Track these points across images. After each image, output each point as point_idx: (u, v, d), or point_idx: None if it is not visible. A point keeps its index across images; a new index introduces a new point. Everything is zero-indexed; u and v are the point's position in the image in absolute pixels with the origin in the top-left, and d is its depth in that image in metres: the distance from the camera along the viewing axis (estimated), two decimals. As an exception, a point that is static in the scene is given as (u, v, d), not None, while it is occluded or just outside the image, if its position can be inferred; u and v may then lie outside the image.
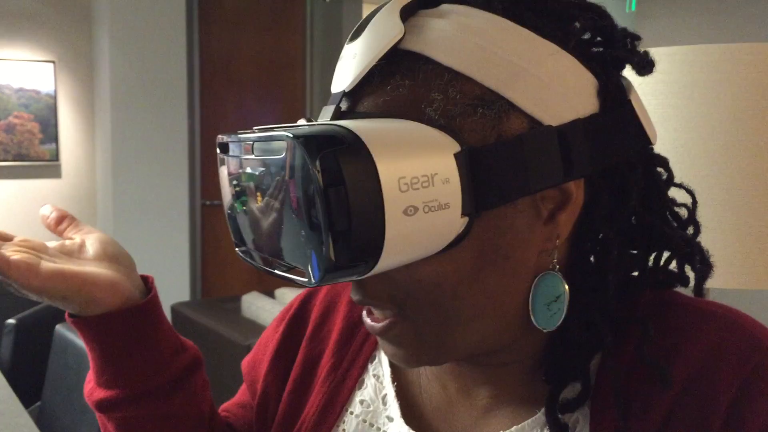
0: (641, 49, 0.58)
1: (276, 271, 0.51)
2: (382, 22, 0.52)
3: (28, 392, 2.31)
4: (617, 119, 0.54)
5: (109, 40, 4.44)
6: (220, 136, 0.58)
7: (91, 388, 0.68)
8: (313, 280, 0.46)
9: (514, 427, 0.58)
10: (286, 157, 0.45)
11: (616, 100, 0.54)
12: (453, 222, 0.47)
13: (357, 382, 0.67)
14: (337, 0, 5.29)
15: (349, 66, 0.52)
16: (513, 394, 0.60)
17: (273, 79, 5.33)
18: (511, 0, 0.53)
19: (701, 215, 0.61)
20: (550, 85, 0.51)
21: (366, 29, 0.52)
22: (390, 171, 0.44)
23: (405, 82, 0.51)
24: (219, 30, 5.09)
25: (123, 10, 4.46)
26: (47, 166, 4.72)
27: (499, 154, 0.48)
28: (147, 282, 0.68)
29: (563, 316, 0.52)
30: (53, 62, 4.64)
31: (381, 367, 0.67)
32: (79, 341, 2.11)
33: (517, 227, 0.51)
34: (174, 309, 3.77)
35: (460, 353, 0.56)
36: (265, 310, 3.25)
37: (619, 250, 0.54)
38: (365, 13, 6.02)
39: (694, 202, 0.60)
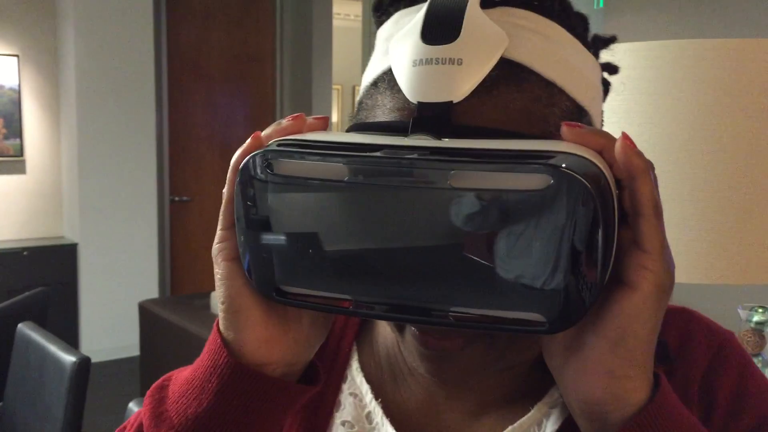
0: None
1: (465, 324, 0.43)
2: (480, 25, 0.46)
3: (-11, 393, 2.26)
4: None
5: (74, 34, 4.37)
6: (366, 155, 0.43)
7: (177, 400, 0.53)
8: (560, 327, 0.41)
9: (510, 426, 0.57)
10: (544, 193, 0.39)
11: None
12: None
13: (334, 405, 0.63)
14: (307, -6, 5.26)
15: (449, 72, 0.46)
16: (502, 397, 0.60)
17: (242, 73, 5.29)
18: (562, 8, 0.52)
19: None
20: (600, 100, 0.53)
21: (464, 31, 0.46)
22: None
23: (513, 95, 0.48)
24: (187, 23, 5.03)
25: (88, 2, 4.39)
26: (11, 161, 4.64)
27: None
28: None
29: None
30: (17, 56, 4.56)
31: (356, 385, 0.63)
32: (42, 340, 2.07)
33: None
34: (142, 306, 3.72)
35: (505, 367, 0.57)
36: (235, 307, 3.22)
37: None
38: (335, 9, 5.94)
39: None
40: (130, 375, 4.28)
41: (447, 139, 0.44)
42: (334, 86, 5.71)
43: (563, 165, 0.39)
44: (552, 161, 0.39)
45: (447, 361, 0.53)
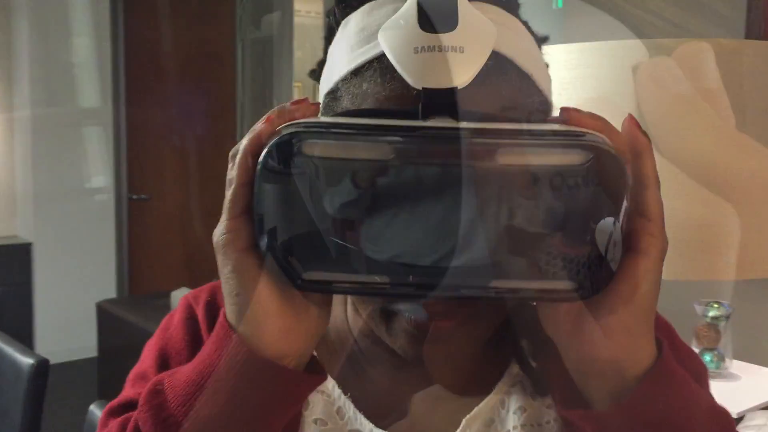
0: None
1: (497, 294, 0.44)
2: (473, 16, 0.48)
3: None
4: None
5: (29, 28, 4.29)
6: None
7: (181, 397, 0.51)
8: (591, 293, 0.45)
9: (476, 407, 0.60)
10: (586, 168, 0.42)
11: None
12: None
13: (302, 405, 0.60)
14: (267, -9, 5.23)
15: (452, 59, 0.46)
16: (463, 380, 0.62)
17: (202, 70, 5.23)
18: (518, 6, 0.55)
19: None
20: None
21: (461, 21, 0.47)
22: None
23: (501, 84, 0.51)
24: (146, 19, 4.96)
25: (43, -3, 4.31)
26: (-38, 159, 4.53)
27: None
28: None
29: None
30: (-32, 50, 4.45)
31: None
32: (4, 346, 2.03)
33: None
34: (99, 306, 3.67)
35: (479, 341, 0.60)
36: (195, 306, 3.19)
37: None
38: (296, 6, 5.88)
39: None
40: (88, 377, 4.22)
41: (465, 122, 0.44)
42: (294, 84, 5.68)
43: (600, 142, 0.43)
44: (586, 139, 0.43)
45: (440, 343, 0.54)
